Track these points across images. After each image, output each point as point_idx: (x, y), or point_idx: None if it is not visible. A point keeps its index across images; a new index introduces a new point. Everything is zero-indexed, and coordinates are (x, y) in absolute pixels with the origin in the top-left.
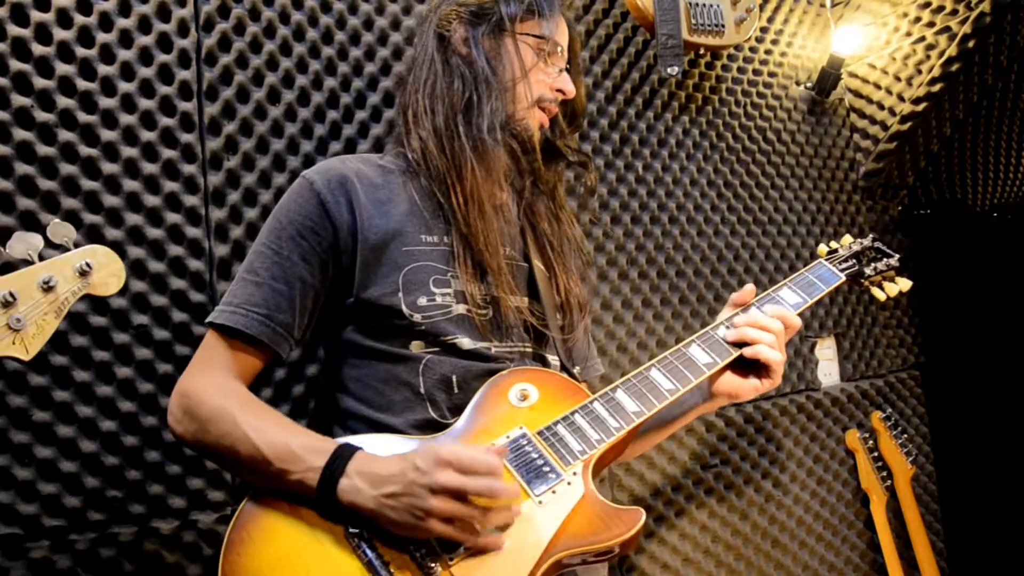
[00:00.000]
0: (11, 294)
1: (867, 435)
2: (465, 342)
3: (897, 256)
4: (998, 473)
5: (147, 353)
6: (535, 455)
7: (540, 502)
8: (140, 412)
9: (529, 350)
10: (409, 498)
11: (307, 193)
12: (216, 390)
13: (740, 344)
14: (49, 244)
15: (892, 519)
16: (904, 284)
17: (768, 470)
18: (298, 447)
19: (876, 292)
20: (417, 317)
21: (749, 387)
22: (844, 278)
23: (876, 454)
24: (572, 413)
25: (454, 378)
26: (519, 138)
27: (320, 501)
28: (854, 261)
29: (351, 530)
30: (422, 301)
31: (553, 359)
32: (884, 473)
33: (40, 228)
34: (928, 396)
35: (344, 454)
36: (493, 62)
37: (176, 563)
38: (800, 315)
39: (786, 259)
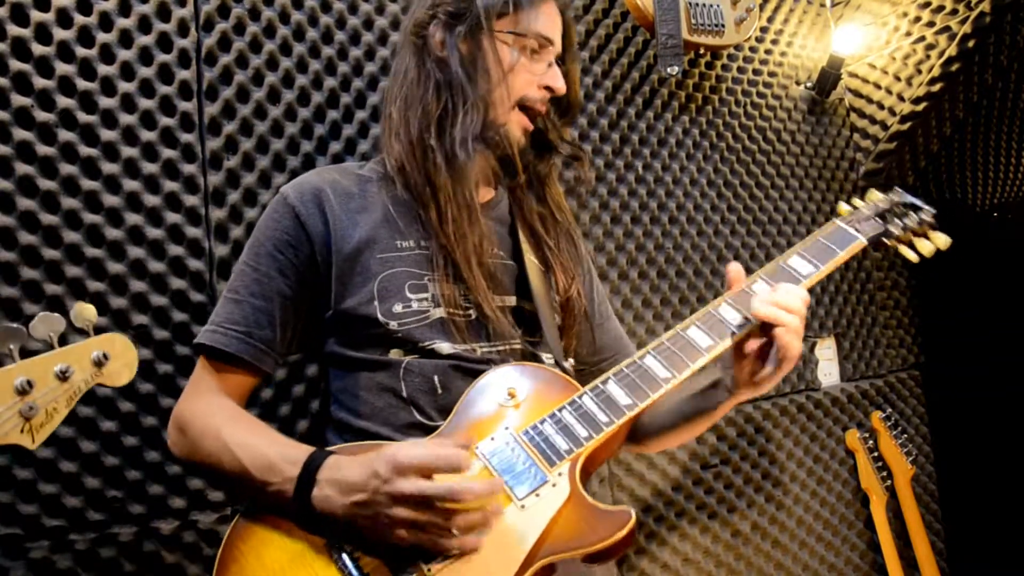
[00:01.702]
0: (28, 382)
1: (867, 435)
2: (444, 347)
3: (931, 209)
4: (998, 473)
5: (147, 353)
6: (519, 456)
7: (523, 506)
8: (140, 412)
9: (518, 347)
10: (375, 507)
11: (282, 208)
12: (203, 409)
13: (752, 322)
14: (71, 327)
15: (892, 519)
16: (941, 240)
17: (768, 470)
18: (276, 457)
19: (907, 252)
20: (393, 324)
21: (763, 375)
22: (864, 240)
23: (876, 454)
24: (560, 409)
25: (436, 379)
26: (496, 147)
27: (298, 512)
28: (877, 220)
29: (331, 545)
30: (397, 308)
31: (547, 357)
32: (884, 473)
33: (39, 230)
34: (928, 396)
35: (314, 462)
36: (469, 67)
37: (176, 563)
38: (811, 289)
39: None
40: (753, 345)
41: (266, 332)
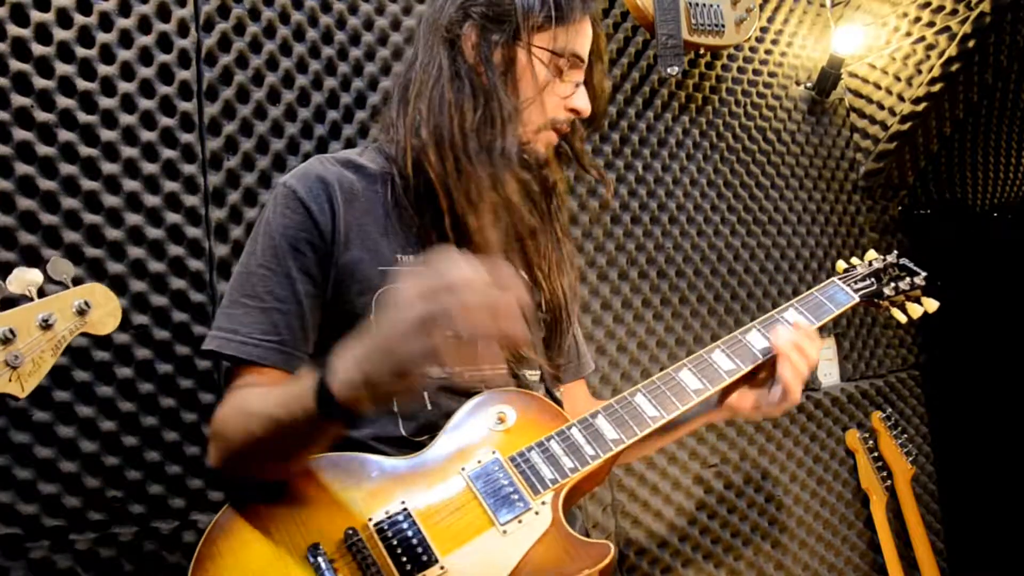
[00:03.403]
0: (10, 331)
1: (867, 435)
2: (433, 370)
3: (924, 274)
4: (998, 473)
5: (147, 353)
6: (504, 482)
7: (505, 532)
8: (140, 412)
9: (503, 370)
10: (390, 340)
11: (292, 203)
12: (223, 411)
13: (764, 357)
14: (48, 280)
15: (892, 519)
16: (931, 305)
17: (768, 470)
18: (287, 392)
19: (897, 314)
20: None
21: (748, 406)
22: (857, 299)
23: (876, 454)
24: (548, 439)
25: (426, 395)
26: (527, 166)
27: (329, 417)
28: (872, 280)
29: (312, 551)
30: None
31: (531, 375)
32: (884, 473)
33: (39, 230)
34: (928, 396)
35: (321, 369)
36: (504, 77)
37: (176, 563)
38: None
39: (786, 259)
40: (760, 375)
41: (298, 336)
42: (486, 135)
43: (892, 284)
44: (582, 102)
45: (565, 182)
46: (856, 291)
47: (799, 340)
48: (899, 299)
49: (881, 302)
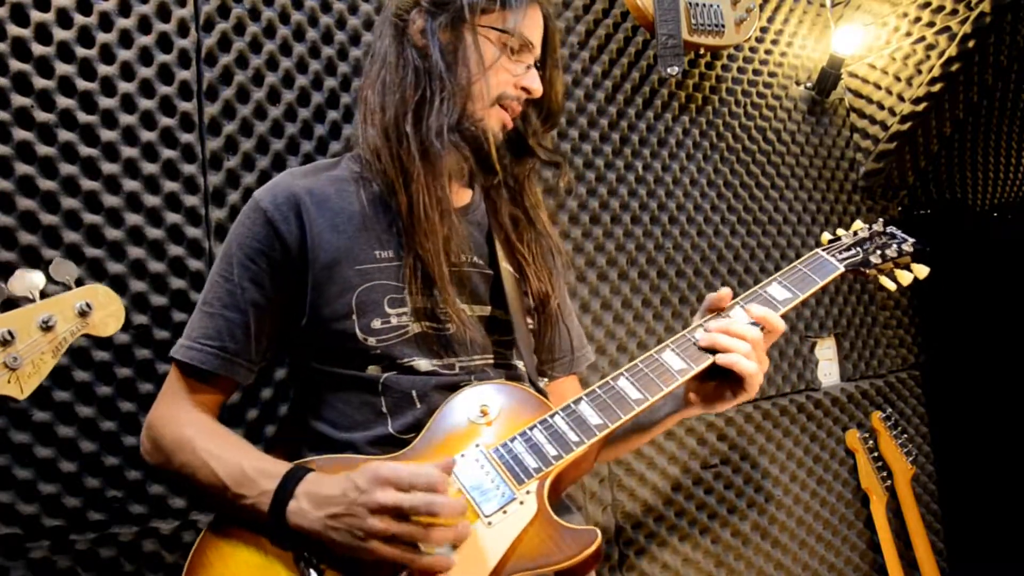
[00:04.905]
0: (9, 333)
1: (867, 435)
2: (422, 364)
3: (912, 240)
4: (998, 473)
5: (147, 353)
6: (488, 474)
7: (489, 523)
8: (140, 412)
9: (492, 361)
10: (350, 519)
11: (254, 215)
12: (177, 421)
13: (714, 350)
14: (51, 282)
15: (892, 519)
16: (920, 271)
17: (768, 470)
18: (251, 470)
19: (886, 282)
20: (372, 341)
21: (720, 397)
22: (843, 268)
23: (876, 454)
24: (531, 428)
25: (414, 393)
26: (472, 140)
27: (272, 525)
28: (857, 249)
29: (300, 556)
30: (376, 324)
31: (521, 364)
32: (884, 473)
33: (39, 229)
34: (928, 396)
35: (294, 476)
36: (449, 57)
37: (175, 563)
38: (794, 311)
39: (786, 259)
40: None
41: (240, 345)
42: (422, 115)
43: (878, 252)
44: (532, 81)
45: (534, 173)
46: (841, 261)
47: (729, 328)
48: (887, 267)
49: (868, 271)
